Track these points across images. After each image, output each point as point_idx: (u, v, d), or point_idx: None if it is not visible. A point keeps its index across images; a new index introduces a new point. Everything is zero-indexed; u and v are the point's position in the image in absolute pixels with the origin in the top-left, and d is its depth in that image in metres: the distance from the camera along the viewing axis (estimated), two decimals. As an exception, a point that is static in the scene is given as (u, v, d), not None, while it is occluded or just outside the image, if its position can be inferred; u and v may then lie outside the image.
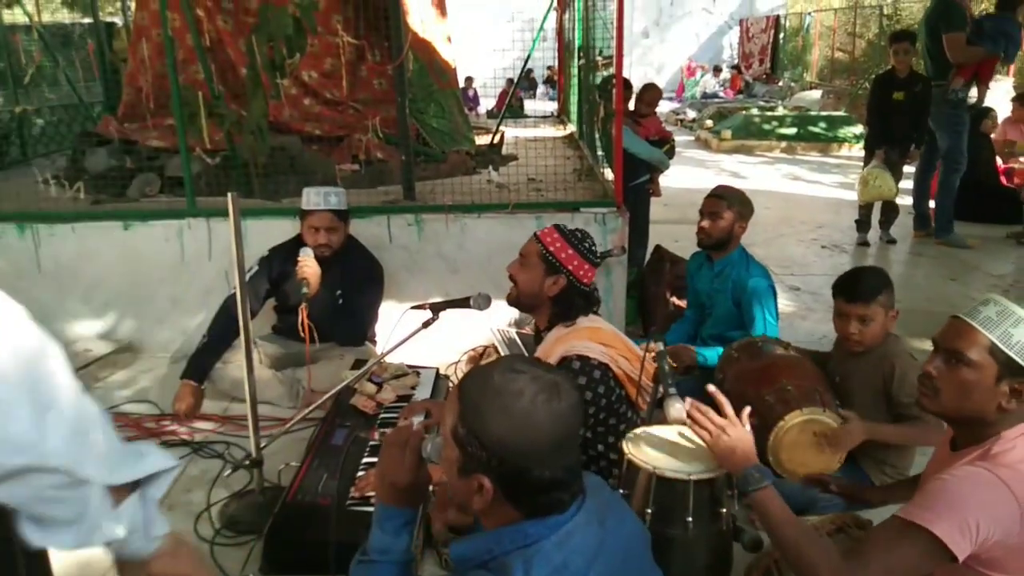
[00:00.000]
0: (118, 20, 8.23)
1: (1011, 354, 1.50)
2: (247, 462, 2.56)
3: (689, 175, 8.74)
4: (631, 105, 5.30)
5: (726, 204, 3.18)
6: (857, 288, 2.40)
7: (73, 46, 7.53)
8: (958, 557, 1.40)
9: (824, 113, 12.96)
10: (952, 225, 6.30)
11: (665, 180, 5.40)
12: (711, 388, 1.81)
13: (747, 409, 1.77)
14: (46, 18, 8.28)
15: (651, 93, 5.40)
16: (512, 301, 2.52)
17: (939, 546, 1.40)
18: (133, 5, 5.88)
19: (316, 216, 3.31)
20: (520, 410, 1.20)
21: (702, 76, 19.50)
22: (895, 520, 1.49)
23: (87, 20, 7.81)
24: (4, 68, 6.40)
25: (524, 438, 1.19)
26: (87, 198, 4.33)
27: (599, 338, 2.35)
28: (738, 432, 1.70)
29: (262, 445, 2.52)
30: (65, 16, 12.16)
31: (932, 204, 6.46)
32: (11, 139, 6.07)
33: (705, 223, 3.21)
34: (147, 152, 4.56)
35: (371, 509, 2.04)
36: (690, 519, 1.77)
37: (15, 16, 6.94)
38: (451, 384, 3.33)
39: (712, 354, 3.15)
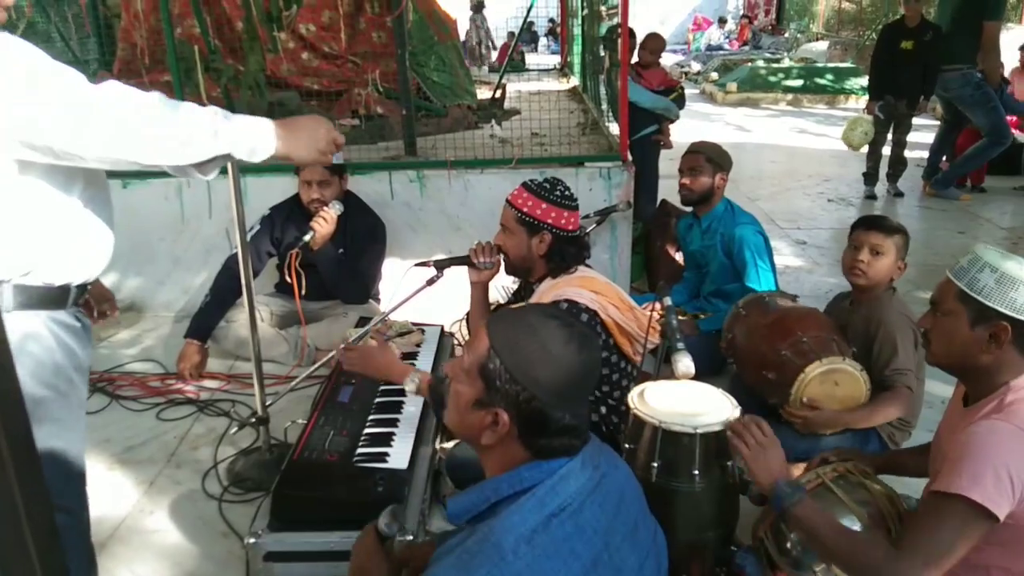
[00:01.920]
0: (111, -26, 8.06)
1: (978, 297, 1.52)
2: (253, 420, 2.56)
3: (694, 128, 8.62)
4: (635, 56, 5.18)
5: (703, 158, 3.24)
6: (878, 220, 2.45)
7: (65, 1, 7.39)
8: (999, 516, 1.39)
9: (831, 65, 12.78)
10: (953, 183, 6.23)
11: (673, 133, 5.29)
12: (743, 419, 1.74)
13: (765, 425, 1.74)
14: (37, -28, 8.10)
15: (654, 42, 5.27)
16: (510, 271, 2.51)
17: (979, 510, 1.38)
18: (125, -42, 5.75)
19: (307, 170, 3.25)
20: (556, 352, 1.24)
21: (708, 30, 19.11)
22: (931, 496, 1.47)
23: (79, -26, 7.64)
24: (-5, 24, 6.29)
25: (557, 379, 1.23)
26: (84, 156, 4.28)
27: (591, 286, 2.32)
28: (776, 451, 1.69)
29: (268, 403, 2.52)
30: (57, -29, 11.91)
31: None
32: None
33: (686, 179, 3.28)
34: (144, 109, 4.49)
35: (379, 465, 2.06)
36: (696, 472, 1.77)
37: (5, -30, 6.79)
38: (456, 341, 3.32)
39: (708, 324, 3.15)
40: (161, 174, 4.00)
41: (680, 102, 5.22)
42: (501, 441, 1.26)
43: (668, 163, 5.19)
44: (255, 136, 1.52)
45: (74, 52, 6.60)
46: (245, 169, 3.42)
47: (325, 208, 3.17)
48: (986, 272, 1.52)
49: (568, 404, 1.25)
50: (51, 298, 1.52)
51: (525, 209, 2.33)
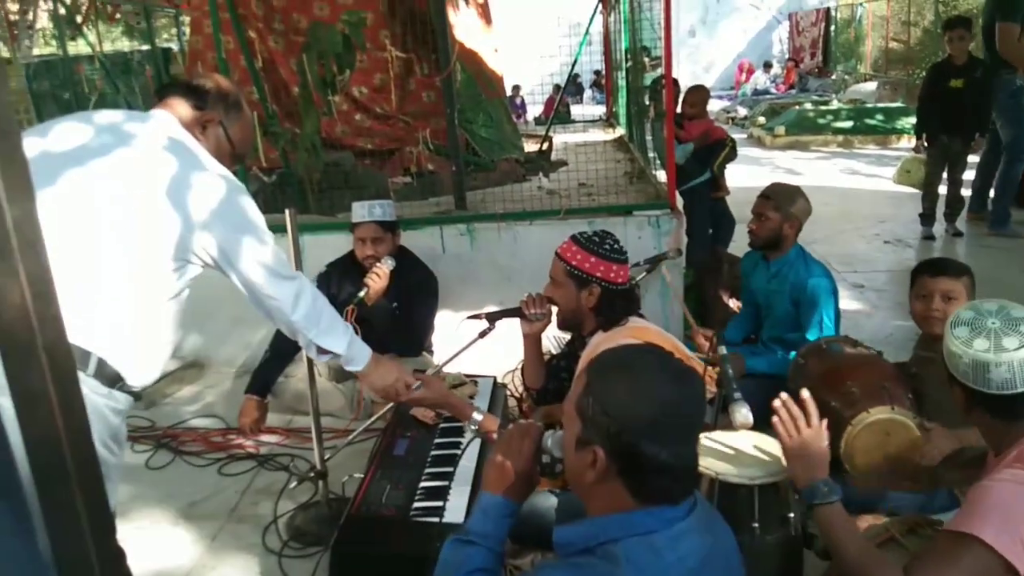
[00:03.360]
0: (174, 46, 8.52)
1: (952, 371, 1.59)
2: (312, 474, 2.59)
3: (743, 173, 8.58)
4: (678, 107, 5.20)
5: (772, 205, 3.14)
6: (942, 264, 2.41)
7: (132, 73, 7.81)
8: (1016, 566, 1.34)
9: (881, 105, 12.61)
10: (1009, 217, 6.04)
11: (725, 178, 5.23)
12: (804, 394, 1.74)
13: (824, 422, 1.72)
14: (107, 47, 8.60)
15: (695, 95, 5.26)
16: (561, 325, 2.51)
17: (993, 555, 1.35)
18: (188, 30, 6.07)
19: (361, 228, 3.35)
20: (645, 382, 1.23)
21: (755, 75, 19.08)
22: (945, 533, 1.46)
23: (145, 47, 8.09)
24: (70, 97, 6.67)
25: (645, 410, 1.20)
26: (151, 220, 4.46)
27: (644, 336, 2.30)
28: (819, 445, 1.66)
29: (326, 457, 2.56)
30: (124, 45, 12.62)
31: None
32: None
33: (753, 224, 3.19)
34: (206, 173, 4.68)
35: (436, 520, 2.06)
36: (756, 525, 1.73)
37: (79, 47, 7.22)
38: (508, 392, 3.32)
39: (760, 362, 3.08)
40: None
41: (732, 155, 5.14)
42: (602, 481, 1.23)
43: (733, 208, 5.15)
44: (358, 355, 2.04)
45: (141, 121, 6.96)
46: (303, 227, 3.52)
47: (378, 264, 3.25)
48: (959, 359, 1.56)
49: (663, 440, 1.20)
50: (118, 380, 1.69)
51: (574, 262, 2.34)
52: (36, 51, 10.55)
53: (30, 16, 9.85)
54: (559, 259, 2.40)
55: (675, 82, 4.79)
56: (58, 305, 0.74)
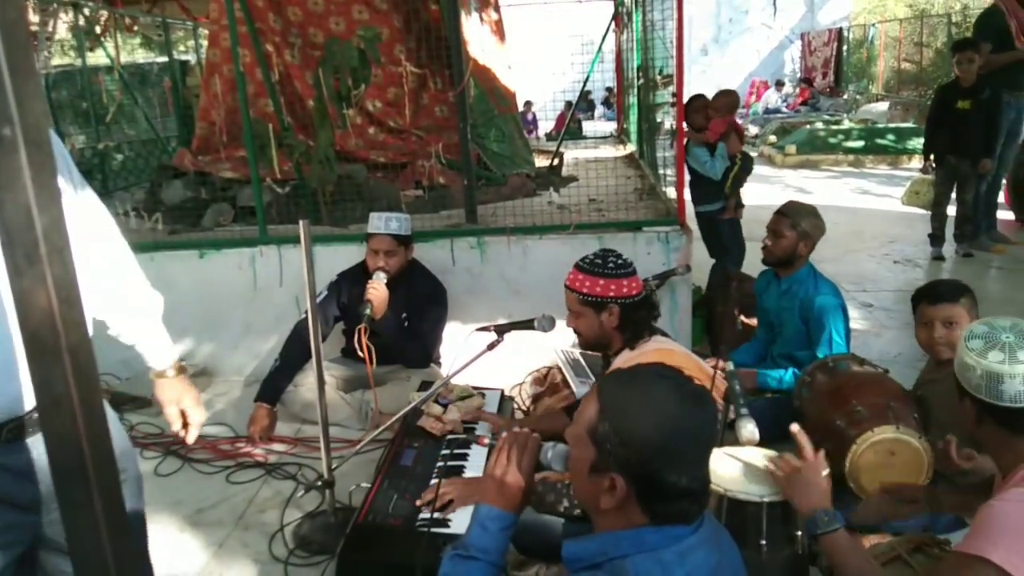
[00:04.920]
0: (191, 58, 8.62)
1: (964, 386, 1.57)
2: (319, 483, 2.61)
3: (753, 191, 8.58)
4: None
5: (788, 223, 3.14)
6: (939, 290, 2.40)
7: (150, 84, 7.92)
8: None
9: (892, 125, 12.62)
10: (978, 231, 6.19)
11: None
12: (794, 428, 1.79)
13: (821, 452, 1.74)
14: (125, 59, 8.70)
15: (723, 99, 5.04)
16: (586, 347, 2.52)
17: (1002, 574, 1.35)
18: (205, 43, 6.15)
19: (376, 239, 3.39)
20: (667, 413, 1.21)
21: (766, 94, 19.08)
22: (955, 555, 1.46)
23: (163, 59, 8.20)
24: (88, 107, 6.75)
25: (668, 440, 1.20)
26: (164, 228, 4.51)
27: (669, 359, 2.31)
28: (814, 475, 1.67)
29: (333, 466, 2.57)
30: (142, 56, 12.77)
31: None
32: (93, 174, 6.39)
33: (768, 240, 3.19)
34: (220, 183, 4.74)
35: (441, 531, 2.07)
36: (764, 542, 1.73)
37: (97, 59, 7.32)
38: (515, 405, 3.33)
39: (774, 377, 3.09)
40: (236, 243, 4.18)
41: (747, 167, 5.05)
42: (620, 505, 1.22)
43: (743, 226, 5.11)
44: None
45: (157, 131, 7.04)
46: (316, 239, 3.56)
47: (371, 281, 3.28)
48: (972, 371, 1.55)
49: (685, 466, 1.20)
50: None
51: (584, 290, 2.34)
52: (55, 61, 10.70)
53: (49, 27, 9.99)
54: (569, 291, 2.39)
55: (701, 96, 4.84)
56: (82, 309, 0.76)
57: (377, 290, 3.25)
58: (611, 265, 2.36)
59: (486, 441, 2.46)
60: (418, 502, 2.20)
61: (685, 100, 5.07)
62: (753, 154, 12.96)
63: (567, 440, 1.35)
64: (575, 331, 2.46)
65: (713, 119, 4.87)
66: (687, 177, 4.33)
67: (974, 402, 1.54)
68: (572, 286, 2.38)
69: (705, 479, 1.27)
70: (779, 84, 19.03)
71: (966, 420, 1.59)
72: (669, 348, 2.38)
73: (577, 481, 1.30)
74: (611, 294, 2.33)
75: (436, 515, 2.14)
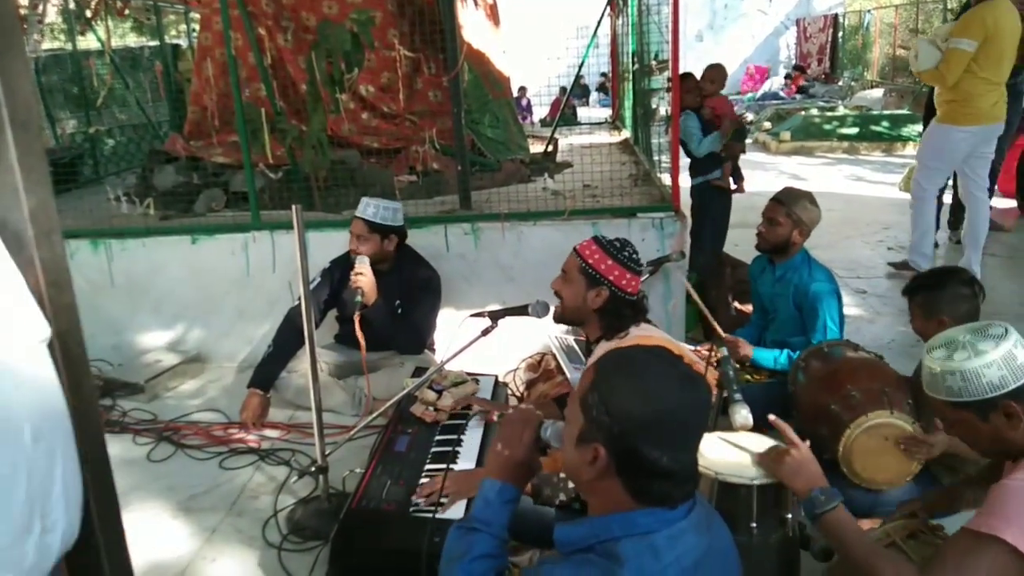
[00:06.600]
0: (183, 42, 8.54)
1: (965, 400, 1.52)
2: (313, 469, 2.61)
3: (748, 178, 8.58)
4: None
5: (784, 210, 3.13)
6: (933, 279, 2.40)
7: (141, 68, 7.84)
8: None
9: (887, 112, 12.62)
10: None
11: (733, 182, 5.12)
12: (772, 418, 1.81)
13: (806, 442, 1.75)
14: (116, 43, 8.63)
15: (714, 71, 5.02)
16: (558, 317, 2.52)
17: (1014, 555, 1.37)
18: (197, 27, 6.10)
19: (353, 223, 3.39)
20: (651, 387, 1.23)
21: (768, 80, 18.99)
22: (965, 532, 1.46)
23: (154, 43, 8.12)
24: (79, 92, 6.69)
25: (653, 417, 1.21)
26: (156, 214, 4.49)
27: (649, 344, 2.32)
28: (802, 455, 1.67)
29: (327, 452, 2.58)
30: (133, 40, 12.66)
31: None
32: (84, 159, 6.34)
33: (762, 227, 3.19)
34: (212, 168, 4.71)
35: (434, 516, 2.07)
36: (754, 525, 1.74)
37: (88, 43, 7.25)
38: (509, 391, 3.34)
39: (767, 356, 3.09)
40: (229, 229, 4.15)
41: (740, 135, 4.95)
42: (601, 478, 1.25)
43: (737, 212, 5.10)
44: None
45: (148, 116, 6.99)
46: (309, 224, 3.54)
47: (355, 267, 3.27)
48: (949, 378, 1.52)
49: (664, 445, 1.21)
50: None
51: (590, 261, 2.37)
52: (45, 45, 10.59)
53: (39, 10, 9.89)
54: (576, 255, 2.42)
55: (690, 75, 4.77)
56: (73, 294, 0.76)
57: (363, 275, 3.23)
58: (626, 254, 2.40)
59: (495, 417, 2.48)
60: (416, 496, 2.19)
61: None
62: (748, 140, 12.96)
63: (566, 415, 1.37)
64: (557, 294, 2.47)
65: (716, 98, 4.87)
66: (684, 159, 4.30)
67: (968, 408, 1.52)
68: (581, 252, 2.41)
69: (691, 465, 1.28)
70: (787, 77, 18.79)
71: (998, 435, 1.52)
72: (648, 334, 2.38)
73: (567, 453, 1.32)
74: (610, 278, 2.35)
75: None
